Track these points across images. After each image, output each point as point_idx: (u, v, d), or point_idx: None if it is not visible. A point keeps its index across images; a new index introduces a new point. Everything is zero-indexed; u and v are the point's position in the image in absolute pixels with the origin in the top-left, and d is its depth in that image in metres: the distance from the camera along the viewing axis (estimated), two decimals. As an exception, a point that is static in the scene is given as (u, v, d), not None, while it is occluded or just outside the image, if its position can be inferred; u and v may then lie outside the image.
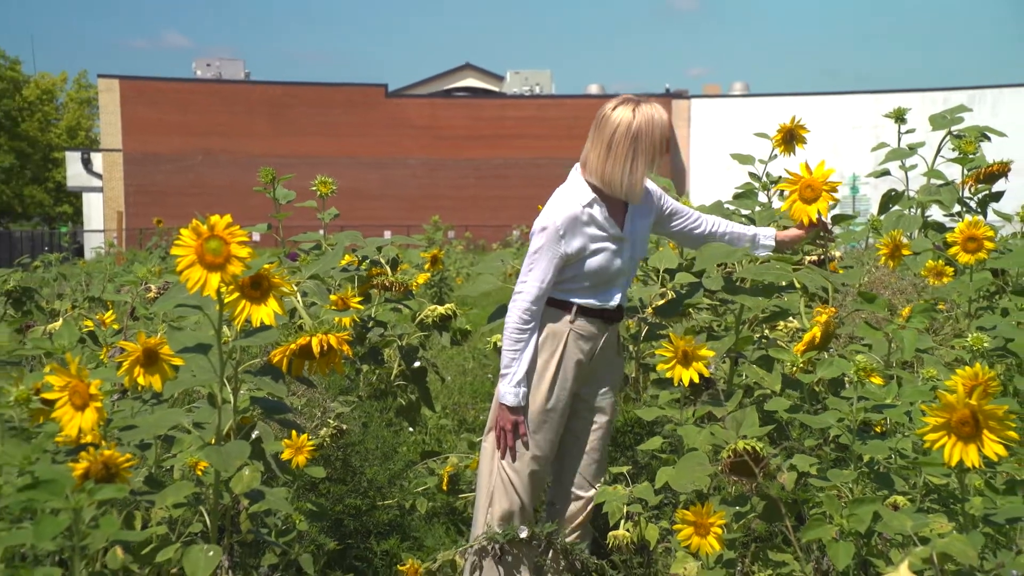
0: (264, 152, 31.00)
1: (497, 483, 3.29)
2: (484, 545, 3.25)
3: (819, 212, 3.25)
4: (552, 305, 3.24)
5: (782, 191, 3.31)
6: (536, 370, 3.23)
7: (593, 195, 3.20)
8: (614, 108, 3.18)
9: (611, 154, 3.16)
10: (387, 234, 5.86)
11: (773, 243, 3.42)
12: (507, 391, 3.19)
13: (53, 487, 2.20)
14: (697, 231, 3.43)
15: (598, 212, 3.21)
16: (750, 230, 3.46)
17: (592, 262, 3.20)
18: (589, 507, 3.37)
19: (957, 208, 4.48)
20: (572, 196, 3.21)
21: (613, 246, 3.23)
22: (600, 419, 3.36)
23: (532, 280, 3.18)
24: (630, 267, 3.30)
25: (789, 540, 2.74)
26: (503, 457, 3.26)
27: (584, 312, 3.24)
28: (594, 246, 3.20)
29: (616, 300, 3.28)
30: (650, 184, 3.37)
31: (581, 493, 3.36)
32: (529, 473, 3.26)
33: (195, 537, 2.76)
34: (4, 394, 2.85)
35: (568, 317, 3.23)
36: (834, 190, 3.25)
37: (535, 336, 3.21)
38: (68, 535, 2.26)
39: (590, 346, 3.26)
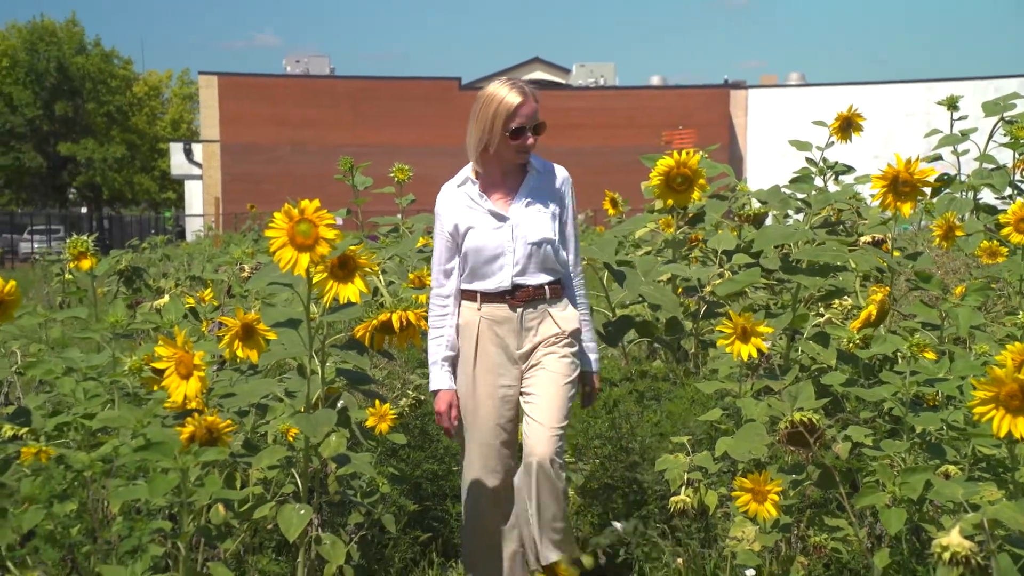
0: (348, 142, 31.28)
1: (463, 472, 3.19)
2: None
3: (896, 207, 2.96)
4: (464, 298, 3.11)
5: (874, 183, 3.01)
6: (460, 360, 3.11)
7: (467, 175, 3.12)
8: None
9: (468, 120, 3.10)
10: (461, 218, 5.84)
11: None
12: (432, 377, 3.10)
13: (163, 448, 2.26)
14: None
15: (471, 189, 3.10)
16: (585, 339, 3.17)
17: (470, 239, 3.05)
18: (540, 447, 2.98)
19: (1008, 191, 4.36)
20: (452, 179, 3.16)
21: (493, 223, 3.05)
22: (548, 370, 3.06)
23: (434, 267, 3.12)
24: (518, 247, 3.04)
25: (843, 506, 2.70)
26: (458, 443, 3.14)
27: (488, 297, 3.06)
28: (468, 223, 3.06)
29: (508, 279, 3.03)
30: (565, 181, 3.18)
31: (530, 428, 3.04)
32: (479, 460, 3.11)
33: (288, 497, 2.82)
34: (120, 364, 2.94)
35: (475, 305, 3.08)
36: (928, 188, 2.99)
37: (454, 321, 3.09)
38: (177, 492, 2.32)
39: (506, 329, 3.06)
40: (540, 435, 3.01)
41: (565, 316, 3.11)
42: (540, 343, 3.07)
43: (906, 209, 2.96)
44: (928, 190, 3.05)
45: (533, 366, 3.09)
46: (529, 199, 3.10)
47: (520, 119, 3.00)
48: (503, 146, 3.03)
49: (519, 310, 3.06)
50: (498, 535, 3.19)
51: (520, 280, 3.05)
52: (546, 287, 3.08)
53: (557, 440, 3.02)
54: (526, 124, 3.02)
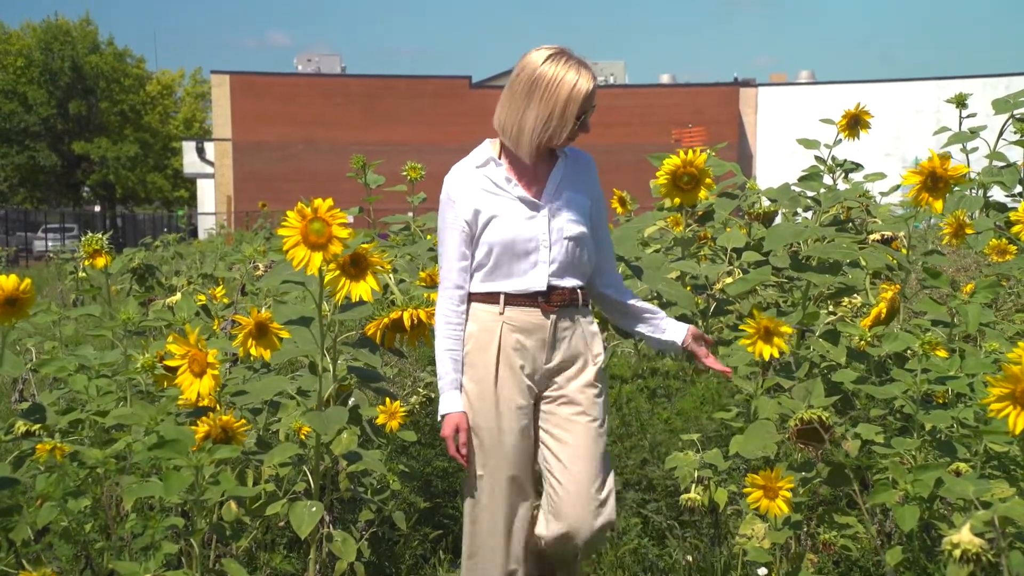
0: (359, 140, 31.34)
1: (465, 511, 2.70)
2: None
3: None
4: (479, 301, 2.61)
5: (908, 179, 2.94)
6: (475, 376, 2.60)
7: (490, 155, 2.63)
8: (536, 50, 2.57)
9: (510, 94, 2.57)
10: (472, 216, 5.82)
11: (678, 339, 2.75)
12: (442, 398, 2.61)
13: (177, 446, 2.27)
14: (597, 277, 2.75)
15: (495, 172, 2.62)
16: (660, 315, 2.78)
17: (495, 230, 2.56)
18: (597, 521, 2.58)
19: (1019, 188, 4.34)
20: (467, 159, 2.67)
21: (524, 212, 2.58)
22: (581, 419, 2.62)
23: (445, 264, 2.62)
24: (553, 241, 2.58)
25: (853, 504, 2.69)
26: (470, 477, 2.64)
27: (513, 300, 2.58)
28: (492, 210, 2.57)
29: (543, 279, 2.57)
30: (593, 168, 2.77)
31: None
32: (502, 496, 2.59)
33: (299, 494, 2.82)
34: (133, 361, 2.94)
35: (496, 308, 2.58)
36: (959, 184, 3.01)
37: (465, 330, 2.62)
38: (190, 489, 2.33)
39: (534, 340, 2.59)
40: (580, 503, 2.54)
41: (594, 329, 2.70)
42: (568, 366, 2.63)
43: (938, 205, 2.90)
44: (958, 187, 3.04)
45: (560, 401, 2.63)
46: (562, 187, 2.64)
47: (588, 104, 2.56)
48: (564, 132, 2.57)
49: (552, 316, 2.59)
50: None
51: (556, 281, 2.59)
52: (578, 291, 2.64)
53: (602, 508, 2.57)
54: (591, 110, 2.59)
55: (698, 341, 2.75)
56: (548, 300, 2.59)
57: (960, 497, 2.27)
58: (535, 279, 2.58)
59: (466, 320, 2.62)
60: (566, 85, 2.50)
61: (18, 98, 42.59)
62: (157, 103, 48.32)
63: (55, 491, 2.59)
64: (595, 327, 2.70)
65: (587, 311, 2.69)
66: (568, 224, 2.60)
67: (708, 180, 3.38)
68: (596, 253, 2.70)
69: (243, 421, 2.62)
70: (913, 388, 2.65)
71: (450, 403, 2.59)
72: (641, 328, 2.78)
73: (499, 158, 2.64)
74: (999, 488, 2.22)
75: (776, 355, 2.88)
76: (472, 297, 2.62)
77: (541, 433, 2.64)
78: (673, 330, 2.76)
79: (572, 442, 2.60)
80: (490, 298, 2.60)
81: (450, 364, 2.60)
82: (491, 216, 2.57)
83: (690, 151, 3.36)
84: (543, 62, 2.52)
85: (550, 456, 2.62)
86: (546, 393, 2.64)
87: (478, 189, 2.61)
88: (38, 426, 2.89)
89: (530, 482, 2.66)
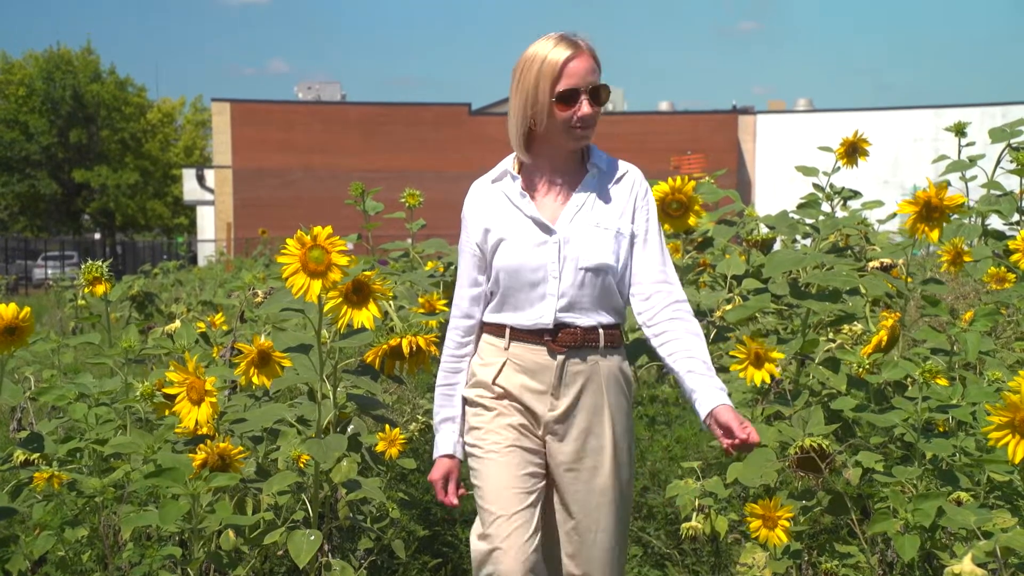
0: (358, 167, 31.42)
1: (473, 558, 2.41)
2: None
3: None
4: (487, 332, 2.36)
5: (904, 208, 2.89)
6: (475, 418, 2.36)
7: (507, 168, 2.35)
8: None
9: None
10: (472, 243, 5.82)
11: (704, 410, 2.18)
12: (436, 439, 2.40)
13: (175, 474, 2.26)
14: (638, 297, 2.33)
15: (510, 187, 2.33)
16: (697, 377, 2.23)
17: (503, 254, 2.29)
18: None
19: (1016, 217, 4.36)
20: (487, 174, 2.40)
21: (535, 235, 2.28)
22: (587, 479, 2.30)
23: (456, 289, 2.39)
24: (567, 272, 2.26)
25: (854, 533, 2.68)
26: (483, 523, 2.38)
27: (520, 335, 2.29)
28: (502, 231, 2.29)
29: (549, 314, 2.26)
30: (638, 184, 2.37)
31: None
32: (490, 555, 2.31)
33: (298, 523, 2.81)
34: (132, 389, 2.94)
35: (502, 343, 2.31)
36: (956, 214, 2.99)
37: (471, 363, 2.38)
38: (187, 518, 2.32)
39: (539, 383, 2.28)
40: None
41: (619, 375, 2.33)
42: (580, 418, 2.29)
43: (934, 235, 2.85)
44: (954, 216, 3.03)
45: (566, 466, 2.30)
46: (585, 208, 2.30)
47: (570, 79, 2.20)
48: (552, 123, 2.24)
49: (560, 357, 2.26)
50: None
51: (566, 317, 2.26)
52: (600, 331, 2.29)
53: None
54: (580, 86, 2.21)
55: (726, 428, 2.18)
56: (555, 339, 2.27)
57: (962, 527, 2.26)
58: (540, 314, 2.27)
59: (475, 351, 2.38)
60: (538, 61, 2.21)
61: (19, 127, 42.78)
62: (158, 131, 48.52)
63: (52, 520, 2.59)
64: (623, 370, 2.34)
65: (611, 353, 2.31)
66: (585, 252, 2.26)
67: (697, 207, 3.39)
68: (635, 273, 2.32)
69: (240, 448, 2.61)
70: (914, 416, 2.65)
71: (441, 445, 2.38)
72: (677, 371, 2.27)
73: (516, 172, 2.35)
74: (1001, 518, 2.21)
75: (767, 380, 2.87)
76: (482, 327, 2.38)
77: (550, 492, 2.34)
78: (700, 399, 2.21)
79: (580, 530, 2.31)
80: (497, 331, 2.33)
81: (444, 400, 2.38)
82: (500, 239, 2.30)
83: (679, 178, 3.38)
84: (530, 47, 2.27)
85: (548, 523, 2.35)
86: (553, 444, 2.31)
87: (491, 206, 2.34)
88: (36, 455, 2.89)
89: (536, 527, 2.30)
